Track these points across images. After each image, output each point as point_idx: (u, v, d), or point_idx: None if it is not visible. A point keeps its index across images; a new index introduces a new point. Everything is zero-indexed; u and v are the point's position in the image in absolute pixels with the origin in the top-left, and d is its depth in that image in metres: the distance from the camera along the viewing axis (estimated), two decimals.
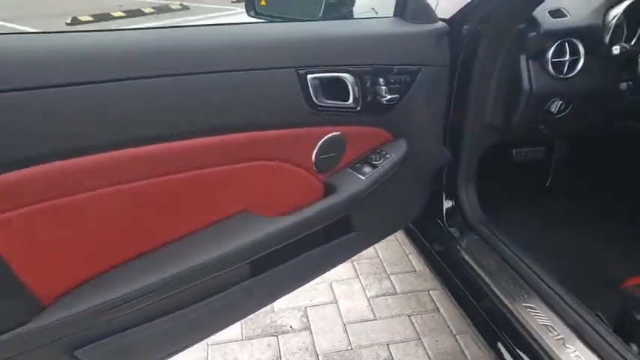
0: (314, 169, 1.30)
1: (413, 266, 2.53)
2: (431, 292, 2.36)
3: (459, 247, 1.75)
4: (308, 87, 1.16)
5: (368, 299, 2.30)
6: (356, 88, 1.27)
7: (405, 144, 1.49)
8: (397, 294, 2.36)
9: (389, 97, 1.35)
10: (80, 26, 9.50)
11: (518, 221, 1.98)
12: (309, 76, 1.16)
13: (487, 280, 1.54)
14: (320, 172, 1.33)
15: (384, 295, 2.35)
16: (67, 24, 9.50)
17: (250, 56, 1.09)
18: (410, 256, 2.59)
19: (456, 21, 1.51)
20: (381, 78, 1.32)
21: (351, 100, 1.27)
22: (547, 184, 2.27)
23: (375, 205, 1.48)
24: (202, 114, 1.03)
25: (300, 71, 1.14)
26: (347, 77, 1.24)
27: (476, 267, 1.65)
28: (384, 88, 1.33)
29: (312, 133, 1.24)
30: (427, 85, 1.44)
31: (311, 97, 1.18)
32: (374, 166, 1.41)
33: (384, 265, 2.55)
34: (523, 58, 1.59)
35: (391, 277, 2.47)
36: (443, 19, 1.48)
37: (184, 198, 1.06)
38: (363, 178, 1.38)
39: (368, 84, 1.30)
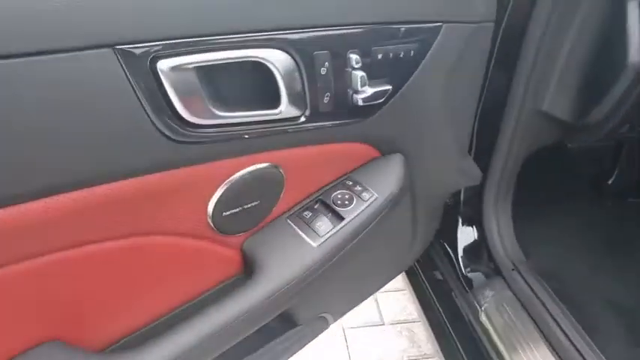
0: (213, 234, 0.67)
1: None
2: None
3: (479, 306, 1.13)
4: (162, 86, 0.51)
5: None
6: (297, 79, 0.61)
7: (402, 165, 0.83)
8: None
9: (372, 91, 0.67)
10: None
11: (573, 251, 1.34)
12: (161, 64, 0.49)
13: None
14: (228, 233, 0.69)
15: None
16: None
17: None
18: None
19: None
20: (353, 54, 0.64)
21: (283, 105, 0.60)
22: (609, 183, 1.58)
23: (340, 275, 0.84)
24: None
25: (130, 51, 0.47)
26: (273, 59, 0.57)
27: (505, 345, 1.05)
28: (359, 74, 0.65)
29: (193, 176, 0.60)
30: (450, 58, 0.77)
31: (172, 108, 0.52)
32: (338, 216, 0.76)
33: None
34: (634, 6, 0.87)
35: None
36: None
37: None
38: (314, 243, 0.73)
39: (324, 68, 0.62)
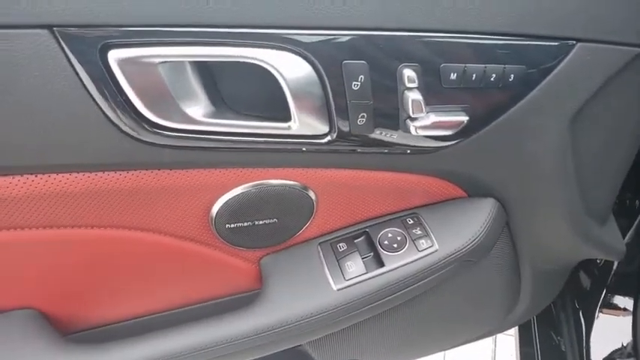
0: (221, 243, 0.62)
1: None
2: None
3: None
4: (115, 78, 0.44)
5: None
6: (316, 92, 0.48)
7: (493, 212, 0.63)
8: None
9: (436, 119, 0.50)
10: None
11: None
12: (114, 54, 0.42)
13: None
14: (238, 245, 0.62)
15: None
16: None
17: None
18: None
19: None
20: (407, 70, 0.47)
21: (295, 120, 0.49)
22: None
23: (380, 325, 0.70)
24: None
25: (72, 34, 0.41)
26: (279, 64, 0.46)
27: None
28: (412, 97, 0.48)
29: (185, 181, 0.54)
30: (587, 89, 0.53)
31: (130, 105, 0.45)
32: (379, 261, 0.62)
33: None
34: None
35: None
36: None
37: None
38: (335, 286, 0.61)
39: (357, 83, 0.47)
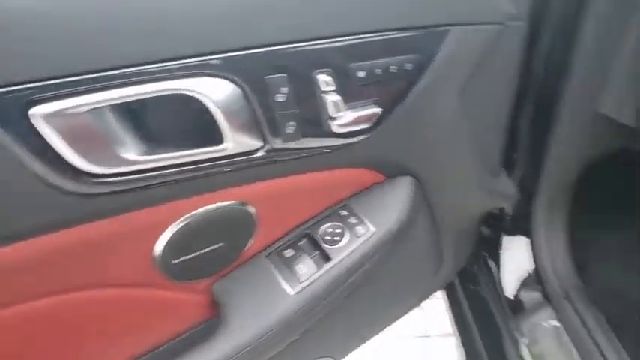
0: (170, 282, 0.60)
1: None
2: None
3: (521, 336, 0.98)
4: (41, 136, 0.42)
5: None
6: (243, 109, 0.50)
7: (411, 189, 0.70)
8: None
9: (354, 116, 0.55)
10: None
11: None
12: (37, 110, 0.41)
13: None
14: (189, 279, 0.61)
15: None
16: None
17: None
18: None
19: None
20: (321, 75, 0.51)
21: (229, 140, 0.50)
22: None
23: (336, 317, 0.74)
24: None
25: None
26: (202, 90, 0.46)
27: None
28: (331, 99, 0.52)
29: (124, 226, 0.52)
30: (466, 65, 0.62)
31: (62, 160, 0.44)
32: (325, 256, 0.65)
33: None
34: None
35: None
36: None
37: None
38: (292, 290, 0.63)
39: (281, 95, 0.50)
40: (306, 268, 0.65)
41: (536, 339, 0.97)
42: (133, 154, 0.47)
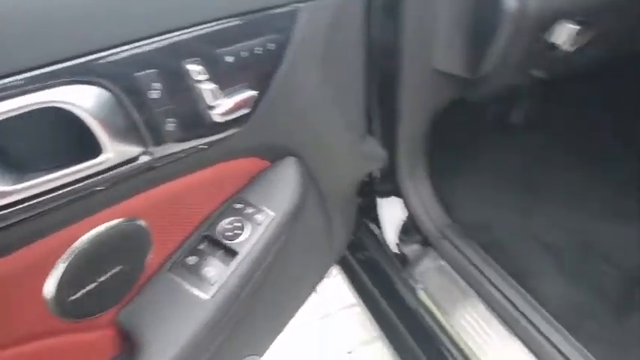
0: (67, 324, 0.53)
1: None
2: None
3: (414, 282, 1.07)
4: None
5: None
6: (117, 113, 0.45)
7: (296, 168, 0.71)
8: None
9: (232, 102, 0.54)
10: None
11: (495, 198, 1.30)
12: None
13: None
14: (89, 316, 0.55)
15: None
16: None
17: None
18: None
19: None
20: (192, 65, 0.49)
21: (107, 150, 0.45)
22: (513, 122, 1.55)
23: (254, 313, 0.72)
24: None
25: None
26: (66, 99, 0.41)
27: (445, 316, 1.00)
28: (207, 87, 0.51)
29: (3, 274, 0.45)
30: (319, 40, 0.65)
31: None
32: (231, 252, 0.64)
33: None
34: None
35: None
36: None
37: None
38: (206, 295, 0.60)
39: (155, 91, 0.47)
40: (215, 269, 0.63)
41: (429, 281, 1.07)
42: (3, 185, 0.41)
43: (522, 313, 0.90)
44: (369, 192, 1.14)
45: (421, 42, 0.86)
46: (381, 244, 1.17)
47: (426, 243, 1.10)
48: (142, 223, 0.56)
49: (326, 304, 1.59)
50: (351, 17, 0.70)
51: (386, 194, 1.14)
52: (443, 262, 1.07)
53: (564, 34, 0.85)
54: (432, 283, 1.06)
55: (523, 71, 0.94)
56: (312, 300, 1.45)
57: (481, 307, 0.98)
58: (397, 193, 1.11)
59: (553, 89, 1.25)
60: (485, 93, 0.98)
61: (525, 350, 0.88)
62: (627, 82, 1.33)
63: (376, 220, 1.17)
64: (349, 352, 1.44)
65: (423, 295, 1.06)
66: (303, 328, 1.52)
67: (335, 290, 1.56)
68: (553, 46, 0.88)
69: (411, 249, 1.14)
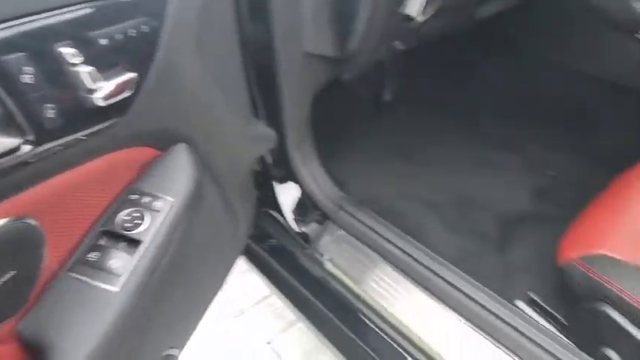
0: None
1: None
2: None
3: (321, 256, 1.12)
4: None
5: None
6: None
7: (187, 155, 0.72)
8: None
9: (113, 84, 0.54)
10: None
11: (378, 168, 1.42)
12: None
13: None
14: None
15: None
16: None
17: None
18: None
19: None
20: (65, 48, 0.49)
21: None
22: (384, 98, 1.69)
23: (168, 303, 0.72)
24: None
25: None
26: None
27: (356, 283, 1.07)
28: (84, 70, 0.50)
29: None
30: (192, 22, 0.67)
31: None
32: (134, 242, 0.63)
33: None
34: None
35: None
36: None
37: None
38: (115, 287, 0.59)
39: (27, 75, 0.46)
40: (120, 260, 0.61)
41: (333, 252, 1.13)
42: None
43: (422, 264, 0.99)
44: (265, 181, 1.17)
45: (291, 28, 0.91)
46: (285, 229, 1.20)
47: (324, 217, 1.16)
48: (31, 221, 0.53)
49: (239, 302, 1.59)
50: (220, 2, 0.72)
51: (281, 180, 1.17)
52: (342, 232, 1.13)
53: (416, 6, 0.96)
54: (336, 254, 1.12)
55: (385, 44, 1.04)
56: (225, 299, 1.45)
57: (384, 266, 1.06)
58: (292, 177, 1.15)
59: (412, 61, 1.38)
60: (355, 70, 1.06)
61: (432, 297, 0.96)
62: (472, 50, 1.52)
63: (277, 207, 1.20)
64: (268, 343, 1.46)
65: (330, 266, 1.11)
66: (220, 325, 1.50)
67: (246, 287, 1.57)
68: (408, 18, 0.99)
69: (312, 227, 1.19)
